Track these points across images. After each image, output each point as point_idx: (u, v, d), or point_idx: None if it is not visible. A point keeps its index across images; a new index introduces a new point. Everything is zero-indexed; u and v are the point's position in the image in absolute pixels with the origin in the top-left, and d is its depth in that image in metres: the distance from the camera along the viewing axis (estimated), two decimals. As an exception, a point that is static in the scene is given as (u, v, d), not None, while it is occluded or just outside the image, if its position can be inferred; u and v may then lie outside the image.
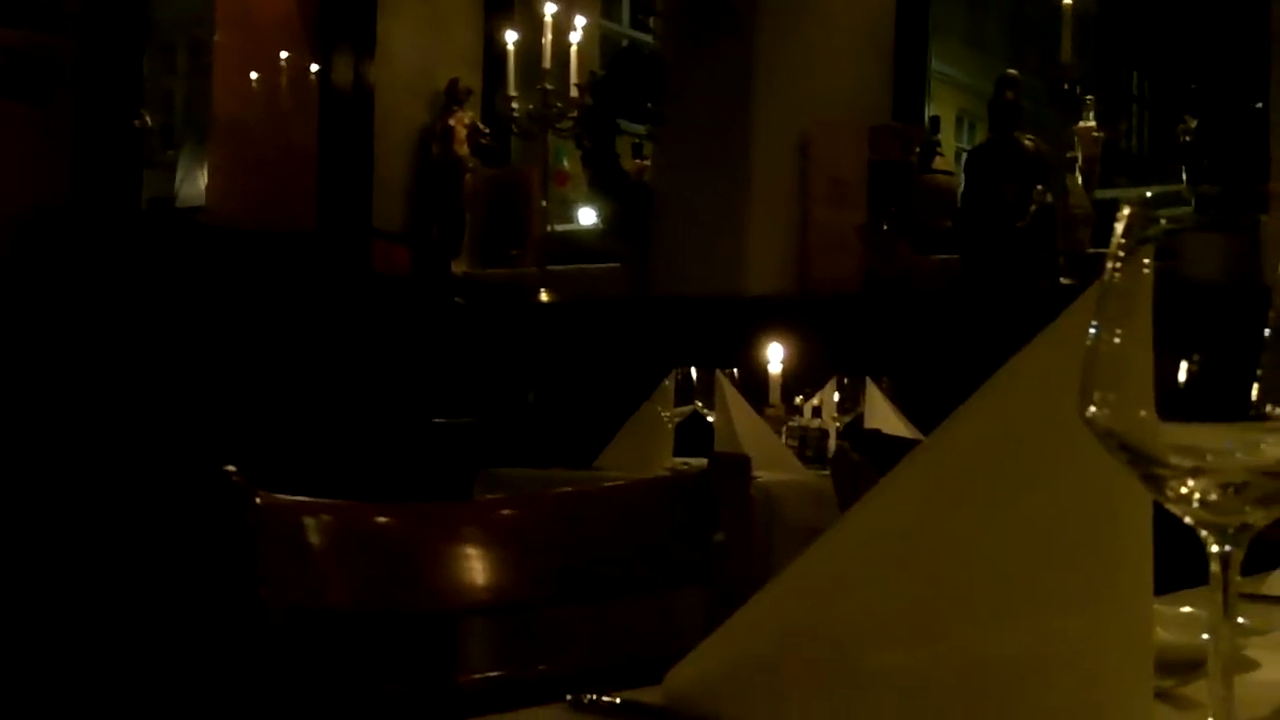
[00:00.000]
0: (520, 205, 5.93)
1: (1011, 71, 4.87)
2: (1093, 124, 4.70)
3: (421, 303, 5.72)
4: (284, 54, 6.19)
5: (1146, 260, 0.71)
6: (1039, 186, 4.68)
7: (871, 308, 4.83)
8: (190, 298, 4.96)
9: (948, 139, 6.69)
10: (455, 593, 1.44)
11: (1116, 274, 0.71)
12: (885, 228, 4.93)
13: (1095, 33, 5.38)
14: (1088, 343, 0.70)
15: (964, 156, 5.42)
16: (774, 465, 3.49)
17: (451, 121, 6.09)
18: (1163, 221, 0.71)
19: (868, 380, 4.00)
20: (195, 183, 6.66)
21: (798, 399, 4.09)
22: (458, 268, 6.02)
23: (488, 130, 6.16)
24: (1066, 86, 4.58)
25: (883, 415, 3.88)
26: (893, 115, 5.38)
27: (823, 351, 4.46)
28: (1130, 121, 6.31)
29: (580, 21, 5.67)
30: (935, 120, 5.49)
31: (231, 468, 1.23)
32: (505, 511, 1.56)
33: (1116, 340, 0.70)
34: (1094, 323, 0.70)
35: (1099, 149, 4.72)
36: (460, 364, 5.45)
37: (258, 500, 1.23)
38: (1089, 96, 4.68)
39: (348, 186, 5.93)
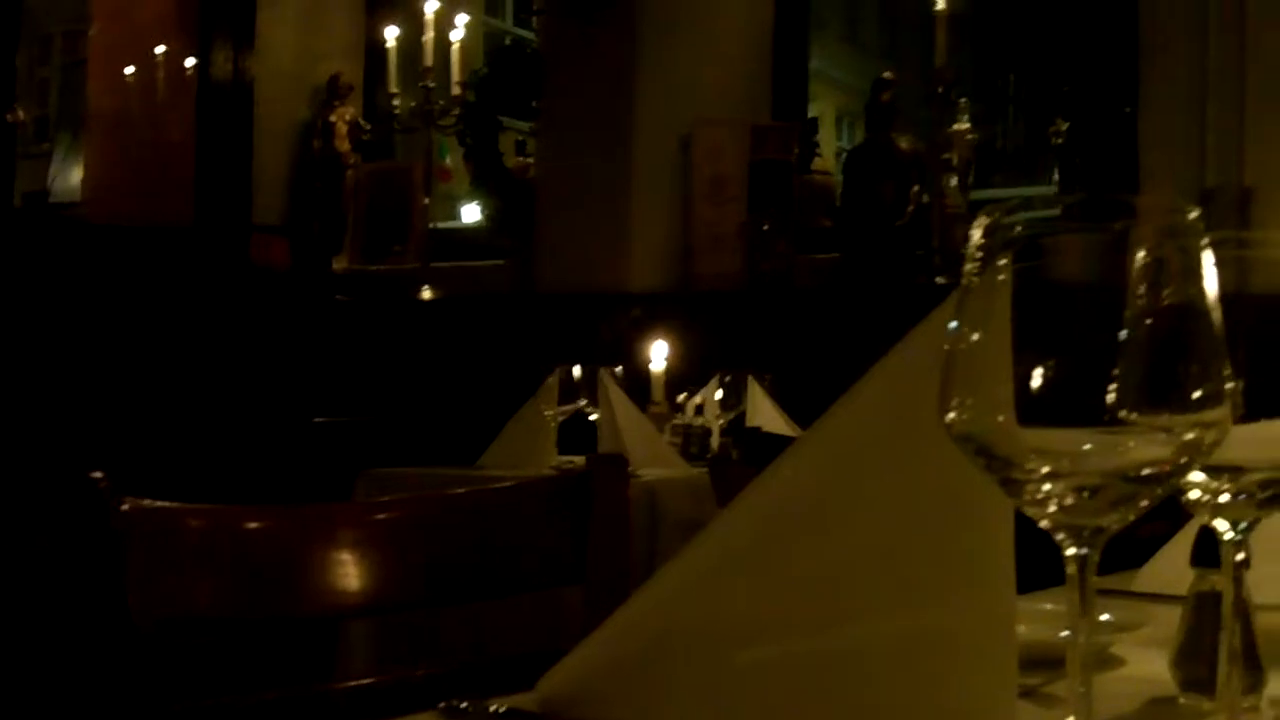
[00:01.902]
0: (402, 201, 5.88)
1: (887, 74, 4.95)
2: (967, 125, 4.78)
3: (301, 299, 5.65)
4: (161, 47, 6.07)
5: (1004, 264, 0.72)
6: (915, 187, 4.75)
7: (753, 305, 4.87)
8: (64, 294, 4.84)
9: (828, 138, 6.77)
10: (333, 596, 1.42)
11: (974, 279, 0.72)
12: (766, 226, 4.97)
13: (972, 32, 5.47)
14: (946, 348, 0.71)
15: (844, 156, 5.48)
16: (657, 463, 3.50)
17: (332, 117, 6.02)
18: (1018, 228, 0.72)
19: (750, 377, 4.03)
20: (70, 176, 6.51)
21: (680, 396, 4.11)
22: (339, 264, 5.95)
23: (369, 126, 6.11)
24: (941, 90, 4.65)
25: (764, 412, 3.91)
26: (773, 114, 5.43)
27: (705, 349, 4.49)
28: (1006, 122, 6.42)
29: (462, 18, 5.63)
30: (814, 121, 5.55)
31: (98, 473, 1.20)
32: (383, 513, 1.55)
33: (975, 345, 0.71)
34: (952, 328, 0.71)
35: (973, 150, 4.81)
36: (341, 361, 5.39)
37: (124, 506, 1.21)
38: (963, 99, 4.77)
39: (226, 181, 5.83)
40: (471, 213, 6.10)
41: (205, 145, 5.88)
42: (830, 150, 6.29)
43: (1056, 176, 4.71)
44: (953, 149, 4.73)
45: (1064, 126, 4.59)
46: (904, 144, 4.84)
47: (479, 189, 5.68)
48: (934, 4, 4.64)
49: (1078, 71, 4.75)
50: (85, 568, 1.23)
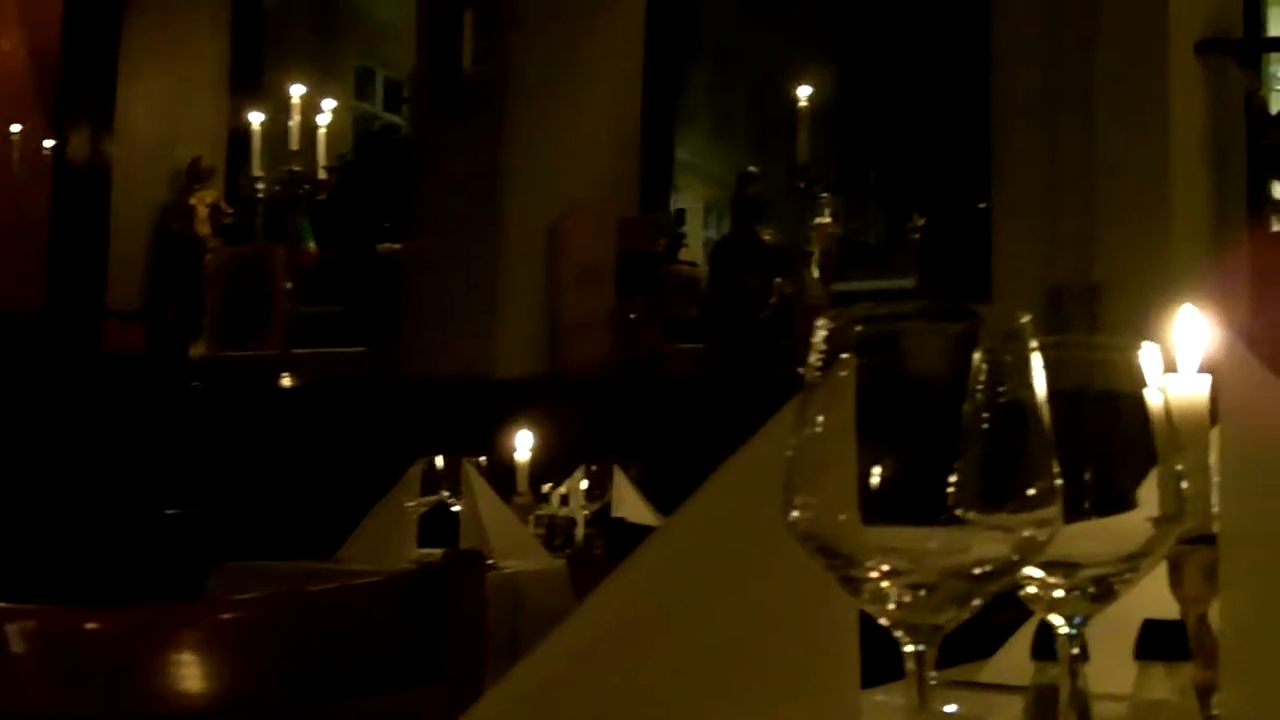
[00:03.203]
0: (264, 286, 5.81)
1: (752, 168, 5.04)
2: (829, 219, 4.88)
3: (156, 386, 5.53)
4: (17, 126, 5.96)
5: (847, 363, 0.73)
6: (779, 279, 4.83)
7: (620, 394, 4.88)
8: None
9: (696, 229, 6.85)
10: (174, 699, 1.38)
11: (817, 377, 0.73)
12: (633, 315, 5.00)
13: (836, 128, 5.60)
14: (788, 451, 0.71)
15: (711, 247, 5.55)
16: (520, 555, 3.46)
17: (193, 200, 5.95)
18: (859, 327, 0.73)
19: (616, 467, 4.02)
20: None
21: (546, 487, 4.08)
22: (196, 350, 5.84)
23: (230, 209, 6.04)
24: (803, 184, 4.75)
25: (630, 503, 3.90)
26: (640, 205, 5.49)
27: (571, 437, 4.48)
28: (867, 217, 6.56)
29: (329, 103, 5.62)
30: (682, 212, 5.62)
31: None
32: (229, 612, 1.51)
33: (818, 444, 0.71)
34: (795, 426, 0.72)
35: (836, 243, 4.90)
36: (196, 451, 5.27)
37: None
38: (825, 194, 4.87)
39: (80, 263, 5.71)
40: (336, 298, 6.04)
41: (60, 227, 5.77)
42: (698, 241, 6.37)
43: (916, 271, 4.82)
44: (815, 242, 4.82)
45: (921, 222, 4.71)
46: (768, 236, 4.92)
47: (343, 274, 5.64)
48: (797, 101, 4.74)
49: (934, 168, 4.88)
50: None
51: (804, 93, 4.77)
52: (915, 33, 5.58)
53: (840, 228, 4.98)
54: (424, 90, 5.33)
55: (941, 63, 5.12)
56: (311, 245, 6.07)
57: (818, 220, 4.87)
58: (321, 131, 5.55)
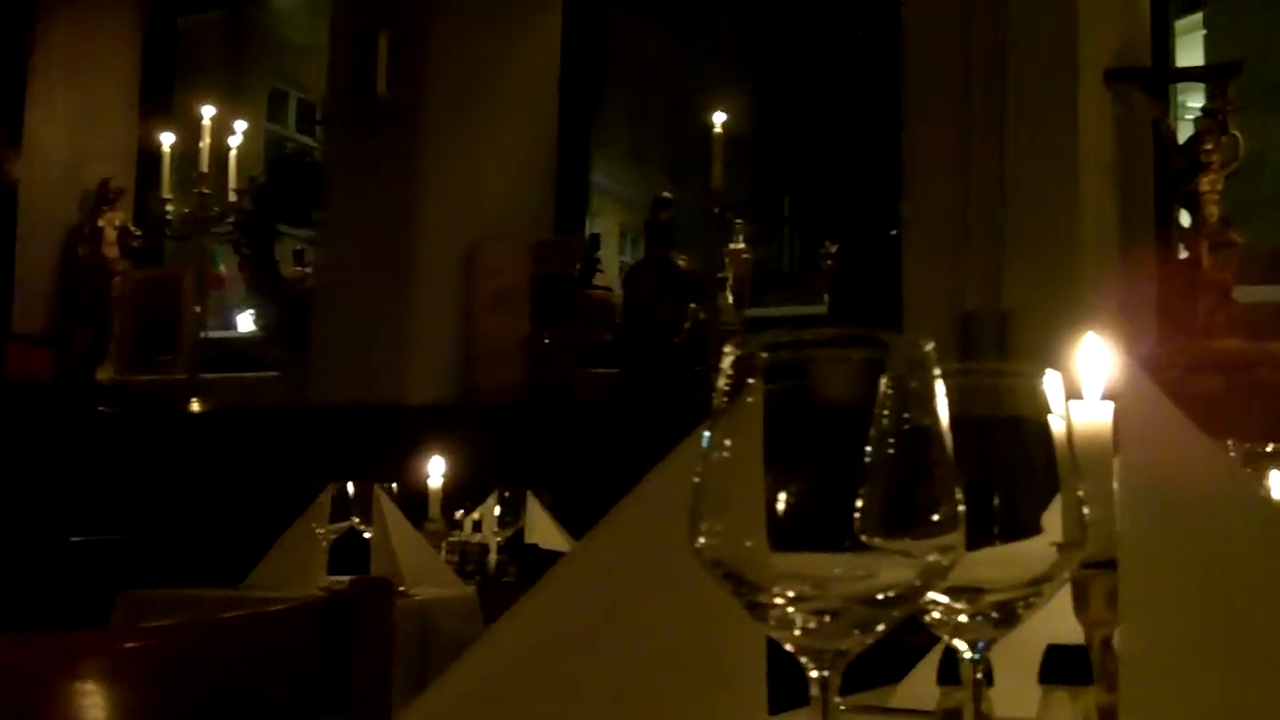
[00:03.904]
0: (172, 309, 5.73)
1: (666, 194, 5.05)
2: (743, 245, 4.91)
3: (62, 411, 5.43)
4: (-81, 145, 5.84)
5: (754, 390, 0.73)
6: (692, 304, 4.84)
7: (534, 419, 4.86)
8: None
9: (612, 254, 6.86)
10: (72, 729, 1.34)
11: (724, 404, 0.73)
12: (547, 340, 4.99)
13: (752, 154, 5.64)
14: (695, 477, 0.71)
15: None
16: (431, 582, 3.44)
17: (101, 222, 5.86)
18: (765, 355, 0.73)
19: (529, 493, 4.01)
20: None
21: (458, 513, 4.05)
22: (103, 374, 5.75)
23: (139, 232, 5.96)
24: (718, 210, 4.77)
25: (543, 529, 3.89)
26: (555, 229, 5.48)
27: (484, 463, 4.45)
28: (781, 242, 6.61)
29: (241, 125, 5.56)
30: (596, 236, 5.62)
31: None
32: (135, 640, 1.48)
33: (725, 471, 0.71)
34: (702, 453, 0.72)
35: (749, 269, 4.93)
36: (103, 477, 5.18)
37: None
38: (739, 220, 4.90)
39: (-16, 287, 5.61)
40: (246, 322, 5.98)
41: (-35, 249, 5.65)
42: (614, 266, 6.38)
43: (827, 297, 4.85)
44: (729, 268, 4.85)
45: (833, 248, 4.75)
46: (682, 262, 4.94)
47: (254, 297, 5.58)
48: (712, 127, 4.77)
49: (847, 195, 4.93)
50: None
51: (719, 119, 4.80)
52: (829, 62, 5.64)
53: (754, 253, 5.01)
54: (337, 112, 5.30)
55: (854, 91, 5.18)
56: (221, 268, 6.01)
57: (732, 246, 4.90)
58: (233, 153, 5.50)
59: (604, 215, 7.07)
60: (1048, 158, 4.28)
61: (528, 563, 3.55)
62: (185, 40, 6.72)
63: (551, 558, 2.67)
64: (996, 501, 0.84)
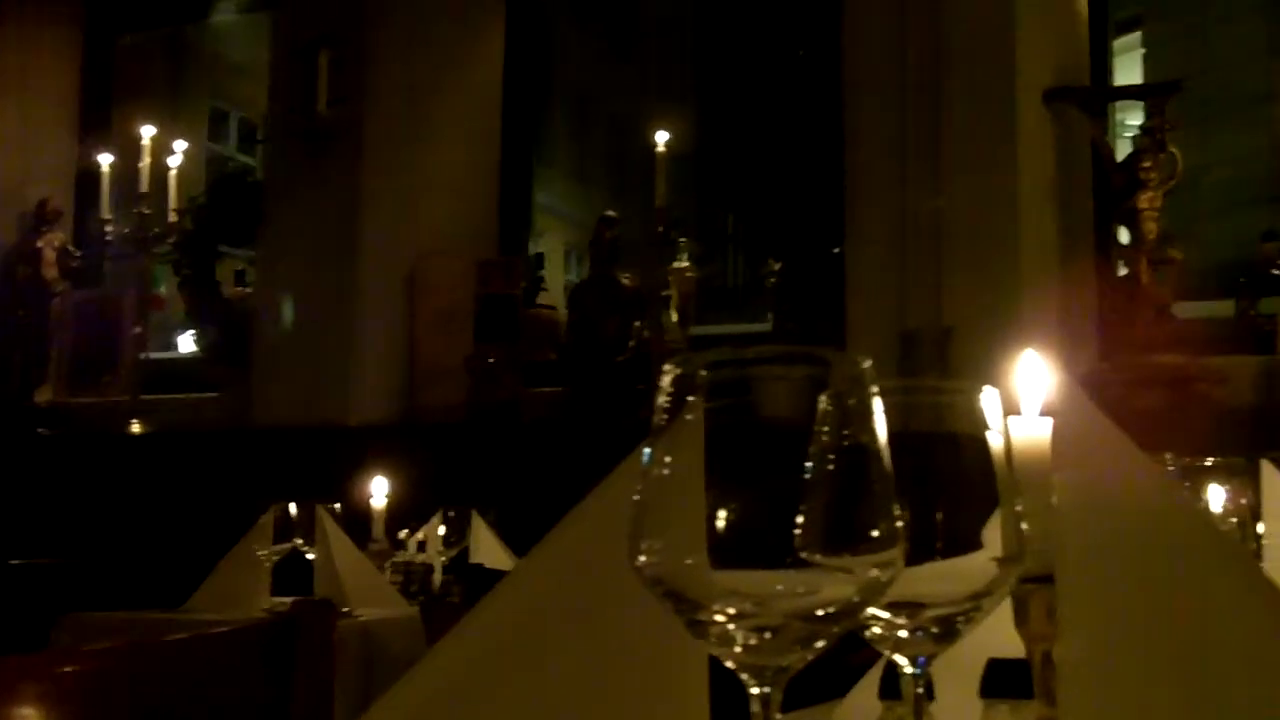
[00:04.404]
0: (112, 330, 5.67)
1: (610, 213, 5.06)
2: (687, 263, 4.92)
3: (1, 433, 5.36)
4: None
5: (694, 408, 0.73)
6: (637, 322, 4.85)
7: (478, 438, 4.84)
8: None
9: (557, 273, 6.86)
10: (8, 756, 1.33)
11: (663, 423, 0.73)
12: (492, 359, 4.98)
13: (696, 173, 5.66)
14: (635, 495, 0.71)
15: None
16: (375, 603, 3.41)
17: (40, 242, 5.79)
18: (705, 373, 0.73)
19: (474, 513, 3.99)
20: None
21: (402, 533, 4.03)
22: (43, 396, 5.68)
23: (79, 252, 5.89)
24: (662, 229, 4.78)
25: (488, 548, 3.87)
26: (499, 249, 5.48)
27: (429, 483, 4.43)
28: (726, 261, 6.63)
29: (181, 145, 5.52)
30: (540, 256, 5.62)
31: None
32: (76, 664, 1.46)
33: (665, 489, 0.71)
34: (642, 472, 0.72)
35: (694, 287, 4.94)
36: (42, 500, 5.11)
37: None
38: (683, 238, 4.91)
39: (-81, 309, 5.53)
40: (187, 343, 5.92)
41: (-102, 271, 5.57)
42: (559, 284, 6.38)
43: (771, 314, 4.87)
44: (673, 286, 4.86)
45: (777, 266, 4.77)
46: (627, 280, 4.94)
47: (195, 318, 5.54)
48: (655, 146, 4.78)
49: (791, 214, 4.95)
50: None
51: (662, 138, 4.81)
52: (770, 81, 5.68)
53: (698, 271, 5.02)
54: (278, 132, 5.27)
55: (796, 110, 5.21)
56: (162, 289, 5.96)
57: (676, 264, 4.91)
58: (173, 173, 5.45)
59: (549, 234, 7.07)
60: (987, 176, 4.32)
61: (473, 582, 3.52)
62: (124, 60, 6.66)
63: (497, 577, 2.66)
64: (937, 517, 0.85)
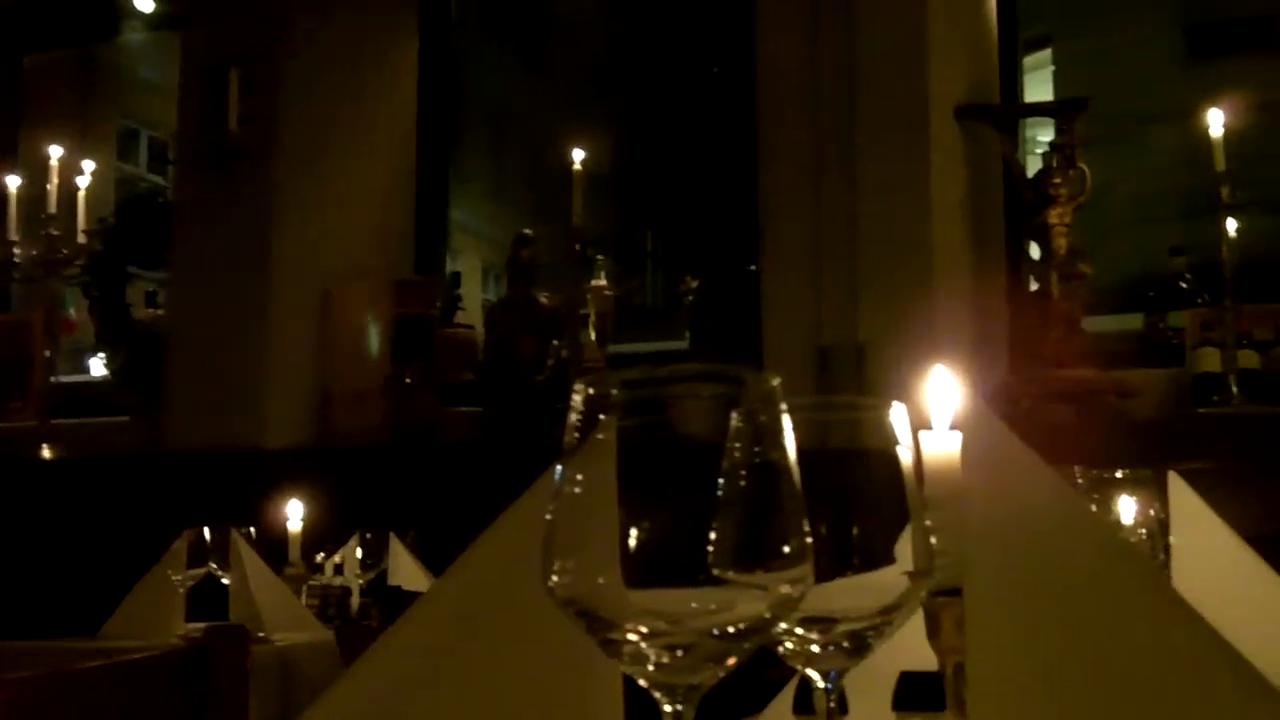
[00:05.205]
0: (20, 354, 5.56)
1: (527, 231, 5.05)
2: (604, 282, 4.92)
3: (-95, 460, 5.24)
4: None
5: (606, 427, 0.73)
6: (555, 341, 4.84)
7: (395, 460, 4.81)
8: None
9: (474, 291, 6.83)
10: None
11: (574, 442, 0.73)
12: (408, 380, 4.95)
13: (614, 191, 5.66)
14: (548, 515, 0.71)
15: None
16: (292, 627, 3.38)
17: (-56, 266, 5.67)
18: (616, 391, 0.73)
19: (392, 535, 3.96)
20: None
21: (319, 556, 3.99)
22: (-53, 422, 5.56)
23: (-15, 276, 5.78)
24: (578, 247, 4.78)
25: (407, 570, 3.84)
26: (415, 268, 5.45)
27: (346, 506, 4.40)
28: (644, 278, 6.64)
29: (89, 165, 5.44)
30: (457, 274, 5.59)
31: None
32: (-25, 696, 1.43)
33: (578, 508, 0.71)
34: (554, 491, 0.72)
35: (612, 305, 4.94)
36: (-53, 528, 5.00)
37: None
38: (600, 256, 4.91)
39: None
40: (98, 366, 5.83)
41: None
42: (476, 303, 6.35)
43: (688, 333, 4.88)
44: (591, 304, 4.85)
45: (694, 284, 4.79)
46: (544, 299, 4.94)
47: (104, 342, 5.45)
48: (572, 164, 4.78)
49: (706, 230, 4.97)
50: None
51: (578, 156, 4.81)
52: (686, 98, 5.71)
53: (616, 289, 5.03)
54: (189, 151, 5.20)
55: (712, 127, 5.24)
56: (71, 312, 5.86)
57: (594, 282, 4.91)
58: (81, 194, 5.37)
59: (465, 253, 7.04)
60: (900, 193, 4.37)
61: (391, 605, 3.50)
62: (31, 79, 6.56)
63: (415, 599, 2.64)
64: (850, 532, 0.86)
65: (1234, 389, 4.05)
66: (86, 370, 6.08)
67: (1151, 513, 1.45)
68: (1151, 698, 0.84)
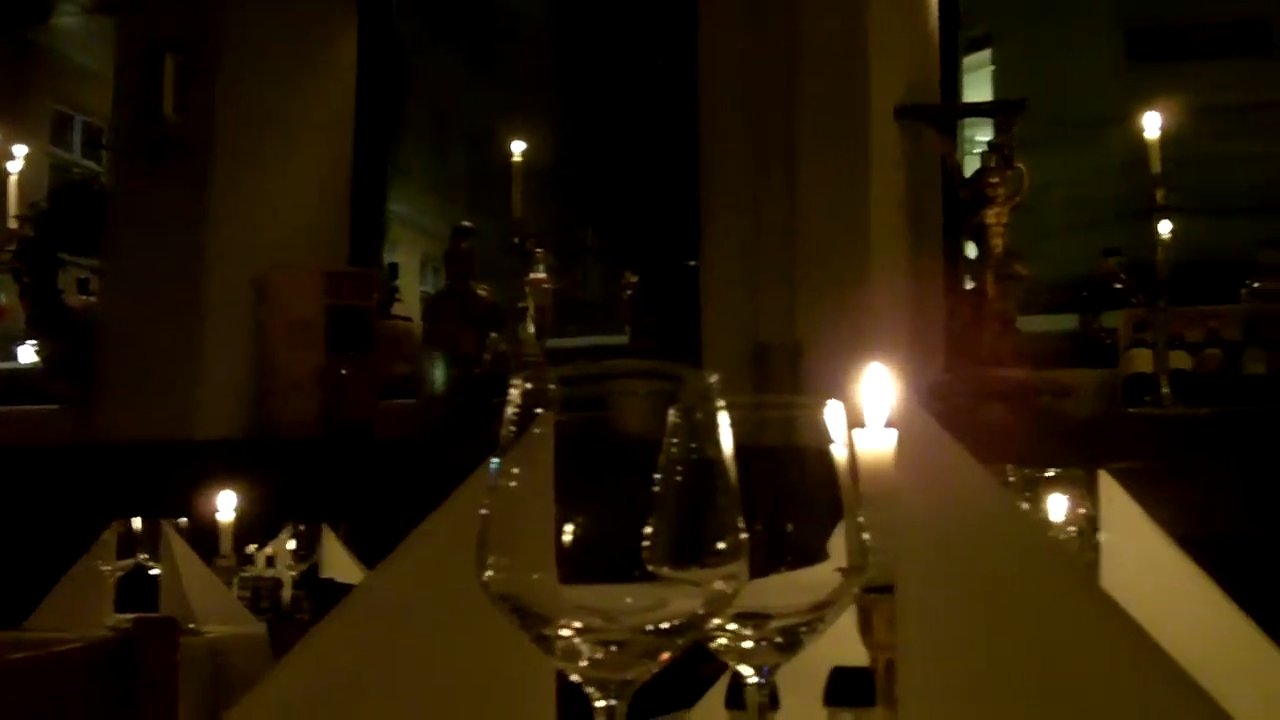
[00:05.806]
0: (-52, 342, 5.49)
1: (466, 223, 5.03)
2: (544, 275, 4.91)
3: None
4: None
5: (542, 423, 0.73)
6: (493, 334, 4.83)
7: (329, 452, 4.78)
8: None
9: (412, 283, 6.80)
10: None
11: (511, 437, 0.73)
12: (345, 371, 4.92)
13: (555, 185, 5.65)
14: (483, 510, 0.71)
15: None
16: (223, 619, 3.35)
17: None
18: (553, 387, 0.73)
19: (325, 527, 3.93)
20: None
21: (251, 548, 3.96)
22: (-126, 411, 5.46)
23: (-88, 263, 5.68)
24: (518, 240, 4.77)
25: (340, 563, 3.82)
26: (351, 259, 5.41)
27: (280, 498, 4.36)
28: (584, 272, 6.63)
29: (21, 150, 5.36)
30: (395, 266, 5.56)
31: None
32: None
33: (513, 503, 0.71)
34: (490, 486, 0.72)
35: (551, 299, 4.93)
36: None
37: None
38: (540, 250, 4.90)
39: None
40: (28, 354, 5.74)
41: None
42: (414, 295, 6.32)
43: (627, 327, 4.88)
44: (530, 298, 4.84)
45: (634, 279, 4.79)
46: (483, 292, 4.92)
47: (36, 329, 5.37)
48: (512, 156, 4.77)
49: (647, 225, 4.97)
50: None
51: (518, 148, 4.80)
52: (628, 92, 5.70)
53: (556, 283, 5.01)
54: (123, 138, 5.14)
55: (653, 122, 5.25)
56: (1, 298, 5.77)
57: (533, 275, 4.89)
58: (13, 178, 5.29)
59: (404, 244, 7.01)
60: (838, 191, 4.39)
61: (323, 598, 3.48)
62: (-38, 61, 6.46)
63: (347, 592, 2.63)
64: (785, 529, 0.86)
65: (1165, 390, 4.11)
66: (15, 358, 6.00)
67: (1082, 511, 1.47)
68: (1079, 695, 0.85)
